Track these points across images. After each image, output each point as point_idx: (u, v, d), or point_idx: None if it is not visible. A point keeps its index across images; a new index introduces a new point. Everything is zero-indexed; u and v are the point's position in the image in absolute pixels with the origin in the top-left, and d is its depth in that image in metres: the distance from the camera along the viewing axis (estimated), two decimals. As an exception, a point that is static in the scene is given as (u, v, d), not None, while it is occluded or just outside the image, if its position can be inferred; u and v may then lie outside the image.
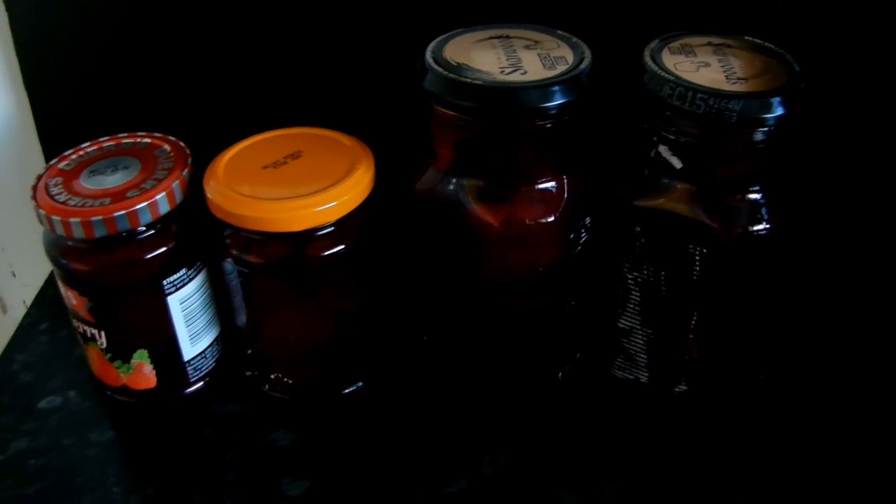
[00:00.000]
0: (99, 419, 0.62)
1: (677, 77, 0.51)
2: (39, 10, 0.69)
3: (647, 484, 0.56)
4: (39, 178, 0.57)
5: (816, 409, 0.60)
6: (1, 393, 0.64)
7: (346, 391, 0.62)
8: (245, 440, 0.59)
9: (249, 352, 0.62)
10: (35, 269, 0.77)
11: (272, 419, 0.61)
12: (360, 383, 0.62)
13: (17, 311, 0.85)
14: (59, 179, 0.56)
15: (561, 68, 0.52)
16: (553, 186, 0.54)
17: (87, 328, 0.58)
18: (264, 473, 0.57)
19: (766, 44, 0.55)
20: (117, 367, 0.59)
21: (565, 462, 0.57)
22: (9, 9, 0.69)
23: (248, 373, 0.62)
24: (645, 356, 0.59)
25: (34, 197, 0.55)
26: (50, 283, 0.74)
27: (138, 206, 0.54)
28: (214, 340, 0.61)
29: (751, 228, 0.53)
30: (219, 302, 0.61)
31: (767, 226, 0.53)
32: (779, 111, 0.50)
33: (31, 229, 0.77)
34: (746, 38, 0.56)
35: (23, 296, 0.86)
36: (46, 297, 0.73)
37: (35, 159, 0.77)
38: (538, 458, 0.58)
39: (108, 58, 0.70)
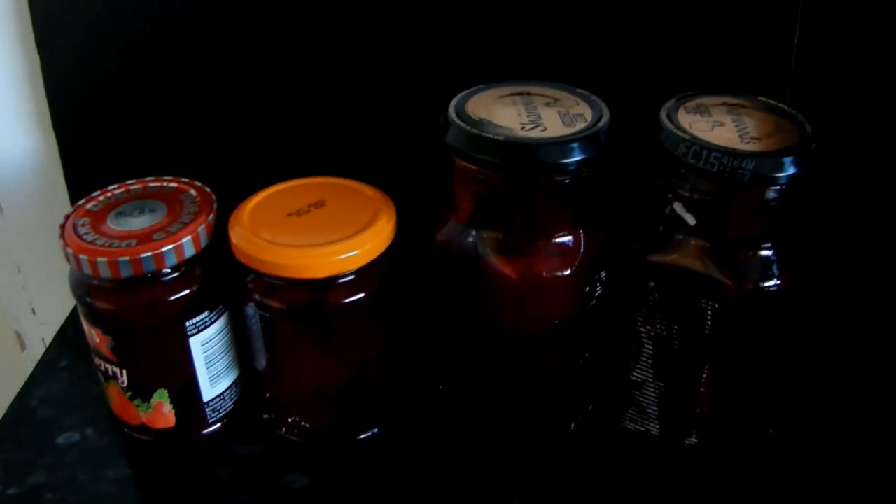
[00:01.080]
0: (116, 456, 0.62)
1: (692, 136, 0.52)
2: (71, 53, 0.70)
3: (656, 535, 0.57)
4: (68, 217, 0.58)
5: (825, 465, 0.60)
6: (19, 427, 0.64)
7: (362, 437, 0.62)
8: (260, 482, 0.60)
9: (267, 395, 0.62)
10: (55, 308, 0.78)
11: (288, 462, 0.61)
12: (376, 429, 0.62)
13: (36, 349, 0.86)
14: (87, 220, 0.57)
15: (580, 125, 0.54)
16: (570, 240, 0.55)
17: (108, 366, 0.59)
18: (278, 515, 0.58)
19: (779, 104, 0.57)
20: (137, 406, 0.60)
21: (576, 512, 0.58)
22: (41, 51, 0.71)
23: (266, 416, 0.63)
24: (656, 408, 0.60)
25: (62, 236, 0.56)
26: (70, 322, 0.75)
27: (164, 249, 0.55)
28: (233, 383, 0.62)
29: (762, 285, 0.53)
30: (239, 345, 0.62)
31: (778, 282, 0.53)
32: (791, 170, 0.51)
33: (53, 268, 0.78)
34: (760, 98, 0.57)
35: (41, 333, 0.87)
36: (66, 336, 0.74)
37: (59, 200, 0.78)
38: (550, 507, 0.58)
39: (137, 102, 0.72)
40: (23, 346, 0.88)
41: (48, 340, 0.75)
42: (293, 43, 0.68)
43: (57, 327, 0.74)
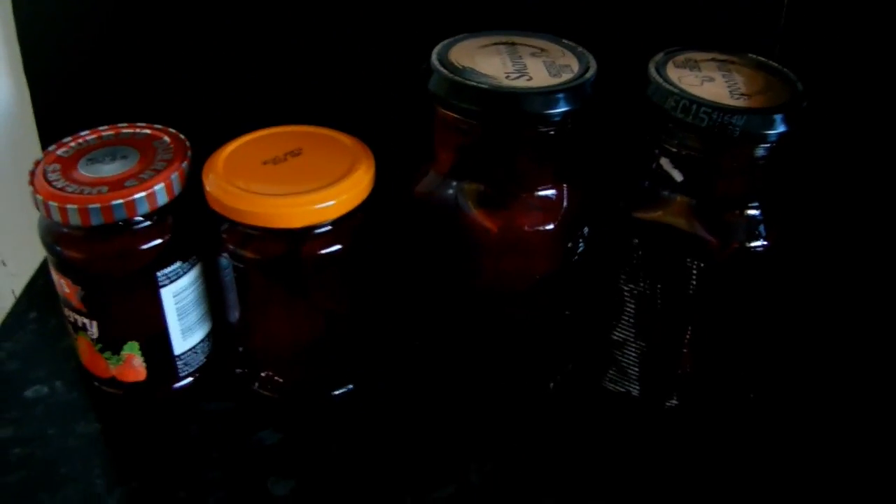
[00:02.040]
0: (85, 411, 0.61)
1: (681, 90, 0.52)
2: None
3: (634, 497, 0.56)
4: (37, 163, 0.57)
5: (805, 430, 0.60)
6: (-14, 381, 0.63)
7: (336, 393, 0.61)
8: (232, 438, 0.59)
9: (241, 349, 0.61)
10: (26, 259, 0.77)
11: (260, 418, 0.60)
12: (351, 385, 0.62)
13: (6, 301, 0.85)
14: (58, 166, 0.56)
15: (566, 76, 0.53)
16: (553, 194, 0.54)
17: (78, 317, 0.57)
18: (250, 472, 0.57)
19: (769, 61, 0.56)
20: (107, 359, 0.59)
21: (553, 472, 0.57)
22: (12, -4, 0.69)
23: (239, 370, 0.62)
24: (637, 369, 0.59)
25: (32, 182, 0.55)
26: (40, 274, 0.74)
27: (136, 196, 0.53)
28: (206, 337, 0.61)
29: (748, 245, 0.53)
30: (211, 299, 0.61)
31: (765, 242, 0.53)
32: (781, 128, 0.50)
33: (23, 219, 0.76)
34: (750, 55, 0.57)
35: (12, 285, 0.86)
36: (36, 288, 0.73)
37: (30, 149, 0.76)
38: (526, 467, 0.58)
39: (110, 48, 0.70)
40: (-8, 299, 0.87)
41: (18, 292, 0.74)
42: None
43: (27, 279, 0.73)
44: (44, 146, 0.74)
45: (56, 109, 0.74)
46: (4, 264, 0.85)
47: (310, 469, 0.57)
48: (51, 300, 0.67)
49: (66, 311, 0.58)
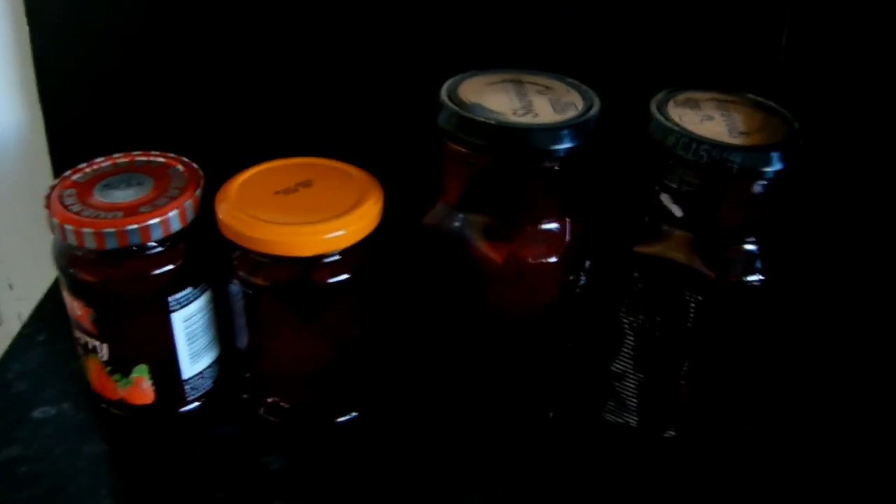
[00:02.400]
0: (92, 432, 0.62)
1: (682, 128, 0.53)
2: (60, 25, 0.70)
3: (632, 525, 0.57)
4: (53, 188, 0.58)
5: (802, 462, 0.61)
6: (-6, 400, 0.64)
7: (341, 419, 0.62)
8: (237, 462, 0.60)
9: (248, 374, 0.62)
10: (32, 283, 0.78)
11: (265, 443, 0.61)
12: (355, 413, 0.62)
13: (12, 324, 0.86)
14: (74, 191, 0.57)
15: (570, 113, 0.54)
16: (556, 228, 0.55)
17: (89, 339, 0.58)
18: (255, 495, 0.57)
19: (767, 101, 0.57)
20: (116, 381, 0.59)
21: (553, 501, 0.58)
22: (30, 22, 0.70)
23: (245, 396, 0.63)
24: (636, 400, 0.60)
25: (48, 205, 0.56)
26: (48, 298, 0.74)
27: (151, 222, 0.55)
28: (214, 362, 0.62)
29: (745, 278, 0.54)
30: (219, 324, 0.62)
31: (762, 277, 0.54)
32: (777, 165, 0.51)
33: (31, 243, 0.78)
34: (749, 95, 0.58)
35: (18, 308, 0.86)
36: (44, 311, 0.73)
37: (41, 175, 0.77)
38: (527, 495, 0.58)
39: (125, 77, 0.71)
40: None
41: (25, 316, 0.74)
42: (284, 23, 0.68)
43: (33, 303, 0.74)
44: (55, 173, 0.75)
45: (69, 137, 0.75)
46: (11, 288, 0.86)
47: (314, 494, 0.58)
48: (59, 324, 0.67)
49: (78, 334, 0.59)
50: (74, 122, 0.74)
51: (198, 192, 0.58)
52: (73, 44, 0.71)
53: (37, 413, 0.63)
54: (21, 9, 0.70)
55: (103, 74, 0.72)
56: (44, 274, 0.75)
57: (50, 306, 0.73)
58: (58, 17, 0.70)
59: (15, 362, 0.67)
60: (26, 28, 0.71)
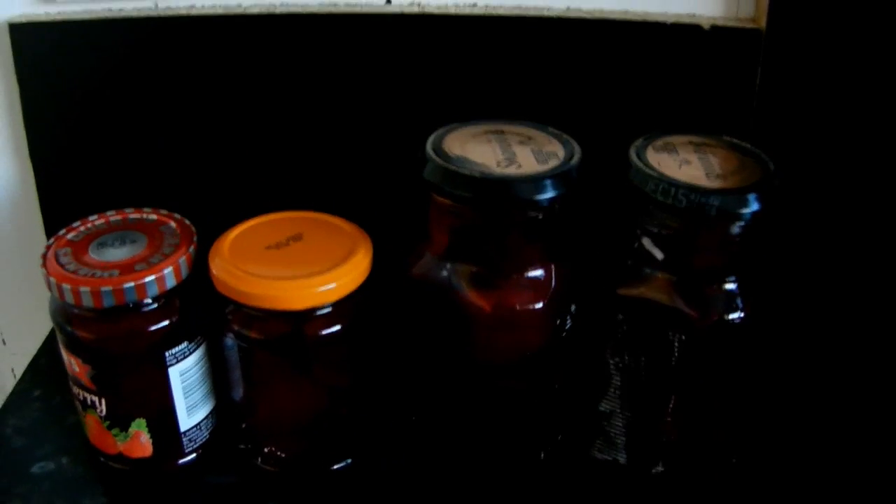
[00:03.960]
0: (91, 485, 0.62)
1: (660, 174, 0.54)
2: (50, 86, 0.71)
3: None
4: (49, 247, 0.59)
5: (786, 492, 0.62)
6: (-7, 457, 0.64)
7: (336, 466, 0.63)
8: (235, 511, 0.61)
9: (244, 425, 0.63)
10: (25, 339, 0.79)
11: (263, 492, 0.62)
12: (350, 459, 0.63)
13: (5, 379, 0.86)
14: (69, 249, 0.58)
15: (553, 163, 0.55)
16: (542, 274, 0.57)
17: (87, 395, 0.59)
18: (254, 543, 0.58)
19: (742, 143, 0.59)
20: (115, 435, 0.60)
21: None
22: (20, 81, 0.72)
23: (242, 446, 0.64)
24: (624, 438, 0.61)
25: (44, 265, 0.57)
26: (42, 353, 0.75)
27: (146, 280, 0.56)
28: (210, 413, 0.63)
29: (726, 317, 0.55)
30: (215, 376, 0.63)
31: (742, 314, 0.55)
32: (755, 206, 0.53)
33: (24, 299, 0.79)
34: (724, 137, 0.59)
35: (12, 364, 0.87)
36: (39, 366, 0.74)
37: (32, 232, 0.78)
38: (520, 534, 0.59)
39: (115, 135, 0.73)
40: (-8, 377, 0.88)
41: (18, 372, 0.75)
42: (272, 81, 0.70)
43: (27, 358, 0.74)
44: (47, 230, 0.76)
45: (60, 195, 0.76)
46: (4, 343, 0.87)
47: (312, 540, 0.59)
48: (54, 378, 0.69)
49: (76, 390, 0.60)
50: (65, 178, 0.75)
51: (191, 249, 0.59)
52: (63, 104, 0.72)
53: (36, 468, 0.63)
54: (12, 71, 0.71)
55: (94, 132, 0.73)
56: (36, 329, 0.76)
57: (44, 361, 0.74)
58: (48, 76, 0.71)
59: (12, 418, 0.68)
60: (17, 87, 0.72)
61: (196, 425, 0.62)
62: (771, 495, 0.62)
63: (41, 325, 0.75)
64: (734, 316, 0.55)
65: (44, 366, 0.74)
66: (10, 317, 0.85)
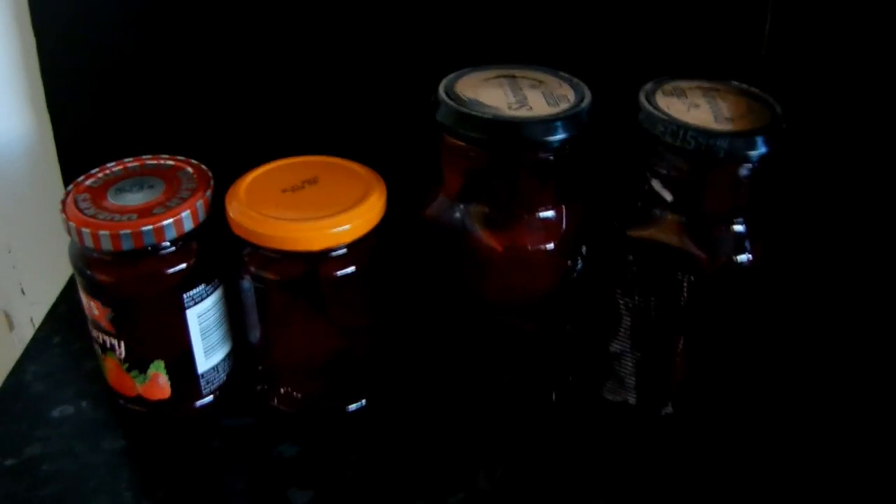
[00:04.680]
0: (111, 428, 0.64)
1: (670, 116, 0.55)
2: (66, 34, 0.72)
3: (633, 500, 0.59)
4: (68, 193, 0.60)
5: (796, 435, 0.63)
6: (14, 401, 0.66)
7: (351, 407, 0.64)
8: (253, 451, 0.62)
9: (260, 367, 0.64)
10: (44, 288, 0.80)
11: (279, 432, 0.63)
12: (364, 401, 0.64)
13: (24, 329, 0.88)
14: (87, 195, 0.59)
15: (563, 106, 0.56)
16: (553, 215, 0.57)
17: (106, 338, 0.60)
18: (270, 483, 0.60)
19: (751, 88, 0.59)
20: (134, 378, 0.61)
21: (557, 478, 0.60)
22: (36, 32, 0.72)
23: (258, 387, 0.65)
24: (634, 379, 0.62)
25: (64, 210, 0.58)
26: (61, 301, 0.76)
27: (164, 223, 0.57)
28: (226, 356, 0.64)
29: (735, 258, 0.56)
30: (232, 319, 0.64)
31: (750, 256, 0.56)
32: (762, 149, 0.53)
33: (42, 248, 0.80)
34: (733, 82, 0.60)
35: (30, 313, 0.88)
36: (58, 314, 0.75)
37: (51, 181, 0.79)
38: (532, 473, 0.61)
39: (131, 83, 0.74)
40: (11, 326, 0.89)
41: (37, 321, 0.76)
42: (287, 25, 0.70)
43: (45, 307, 0.76)
44: (65, 180, 0.77)
45: (77, 143, 0.76)
46: (23, 293, 0.88)
47: (327, 479, 0.60)
48: (73, 325, 0.70)
49: (95, 333, 0.61)
50: (82, 128, 0.76)
51: (208, 193, 0.59)
52: (79, 52, 0.73)
53: (55, 412, 0.65)
54: (28, 20, 0.72)
55: (109, 81, 0.74)
56: (55, 278, 0.77)
57: (63, 309, 0.75)
58: (63, 27, 0.72)
59: (32, 364, 0.69)
60: (33, 39, 0.73)
61: (213, 367, 0.63)
62: (780, 437, 0.63)
63: (59, 274, 0.76)
64: (742, 257, 0.56)
65: (63, 313, 0.75)
66: (30, 267, 0.86)
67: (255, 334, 0.62)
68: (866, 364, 0.68)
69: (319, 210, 0.58)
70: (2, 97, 0.77)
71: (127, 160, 0.63)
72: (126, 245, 0.56)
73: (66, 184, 0.77)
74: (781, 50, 0.65)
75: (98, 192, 0.60)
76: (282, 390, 0.64)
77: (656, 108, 0.56)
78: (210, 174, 0.62)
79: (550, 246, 0.57)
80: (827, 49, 0.64)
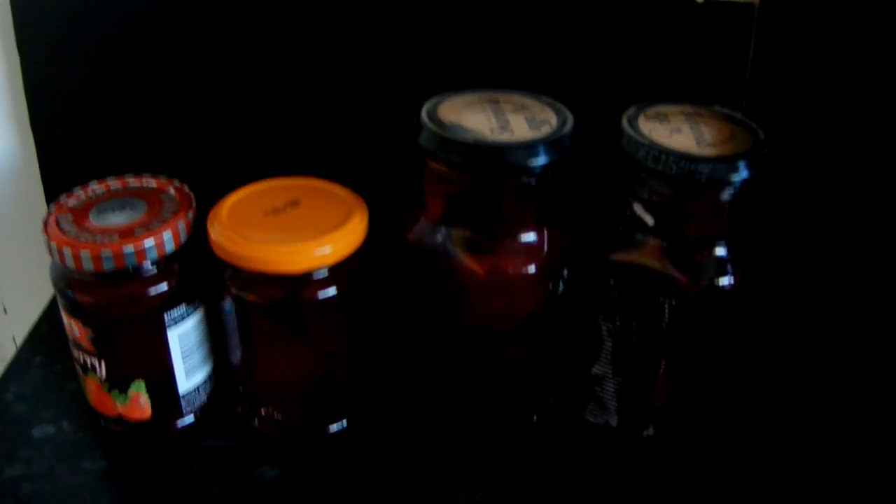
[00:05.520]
0: (91, 448, 0.64)
1: (652, 141, 0.55)
2: (50, 52, 0.72)
3: (615, 522, 0.59)
4: (50, 213, 0.60)
5: (774, 455, 0.63)
6: (-5, 422, 0.65)
7: (332, 429, 0.64)
8: (233, 473, 0.62)
9: (241, 388, 0.64)
10: (26, 307, 0.79)
11: (260, 454, 0.63)
12: (345, 422, 0.64)
13: (6, 348, 0.87)
14: (69, 215, 0.59)
15: (545, 130, 0.56)
16: (535, 239, 0.57)
17: (87, 358, 0.60)
18: (250, 504, 0.59)
19: (734, 113, 0.59)
20: (114, 398, 0.61)
21: (538, 500, 0.60)
22: (21, 50, 0.72)
23: (239, 409, 0.65)
24: (615, 402, 0.62)
25: (45, 230, 0.58)
26: (43, 320, 0.76)
27: (146, 244, 0.57)
28: (208, 377, 0.64)
29: (716, 282, 0.56)
30: (213, 340, 0.64)
31: (731, 280, 0.56)
32: (744, 174, 0.53)
33: (25, 267, 0.79)
34: (716, 107, 0.60)
35: (13, 332, 0.87)
36: (40, 334, 0.75)
37: (33, 200, 0.79)
38: (513, 496, 0.60)
39: (115, 103, 0.73)
40: (-7, 344, 0.89)
41: (19, 339, 0.76)
42: (270, 47, 0.70)
43: (27, 326, 0.75)
44: (48, 198, 0.77)
45: (61, 164, 0.76)
46: (6, 312, 0.87)
47: (308, 501, 0.60)
48: (55, 345, 0.70)
49: (76, 353, 0.61)
50: (66, 148, 0.76)
51: (190, 214, 0.59)
52: (63, 72, 0.73)
53: (37, 432, 0.64)
54: (12, 39, 0.72)
55: (93, 101, 0.74)
56: (37, 297, 0.77)
57: (45, 329, 0.75)
58: (47, 46, 0.72)
59: (14, 384, 0.69)
60: (17, 58, 0.72)
61: (194, 388, 0.63)
62: (759, 458, 0.63)
63: (42, 294, 0.76)
64: (724, 281, 0.56)
65: (44, 334, 0.75)
66: (12, 286, 0.86)
67: (236, 356, 0.62)
68: (848, 385, 0.68)
69: (301, 232, 0.58)
70: (-15, 115, 0.77)
71: (109, 179, 0.63)
72: (107, 266, 0.56)
73: (48, 203, 0.77)
74: (765, 75, 0.65)
75: (80, 213, 0.60)
76: (263, 412, 0.63)
77: (638, 132, 0.56)
78: (192, 195, 0.62)
79: (532, 270, 0.57)
80: (811, 74, 0.65)
